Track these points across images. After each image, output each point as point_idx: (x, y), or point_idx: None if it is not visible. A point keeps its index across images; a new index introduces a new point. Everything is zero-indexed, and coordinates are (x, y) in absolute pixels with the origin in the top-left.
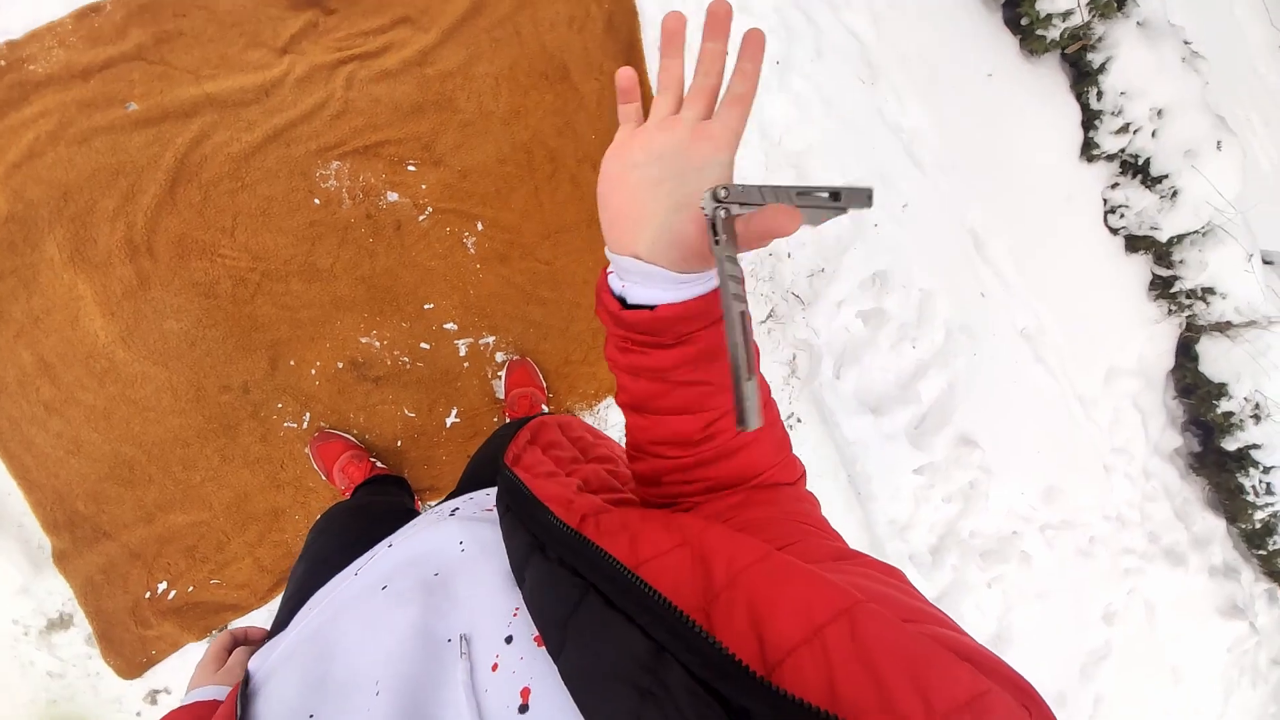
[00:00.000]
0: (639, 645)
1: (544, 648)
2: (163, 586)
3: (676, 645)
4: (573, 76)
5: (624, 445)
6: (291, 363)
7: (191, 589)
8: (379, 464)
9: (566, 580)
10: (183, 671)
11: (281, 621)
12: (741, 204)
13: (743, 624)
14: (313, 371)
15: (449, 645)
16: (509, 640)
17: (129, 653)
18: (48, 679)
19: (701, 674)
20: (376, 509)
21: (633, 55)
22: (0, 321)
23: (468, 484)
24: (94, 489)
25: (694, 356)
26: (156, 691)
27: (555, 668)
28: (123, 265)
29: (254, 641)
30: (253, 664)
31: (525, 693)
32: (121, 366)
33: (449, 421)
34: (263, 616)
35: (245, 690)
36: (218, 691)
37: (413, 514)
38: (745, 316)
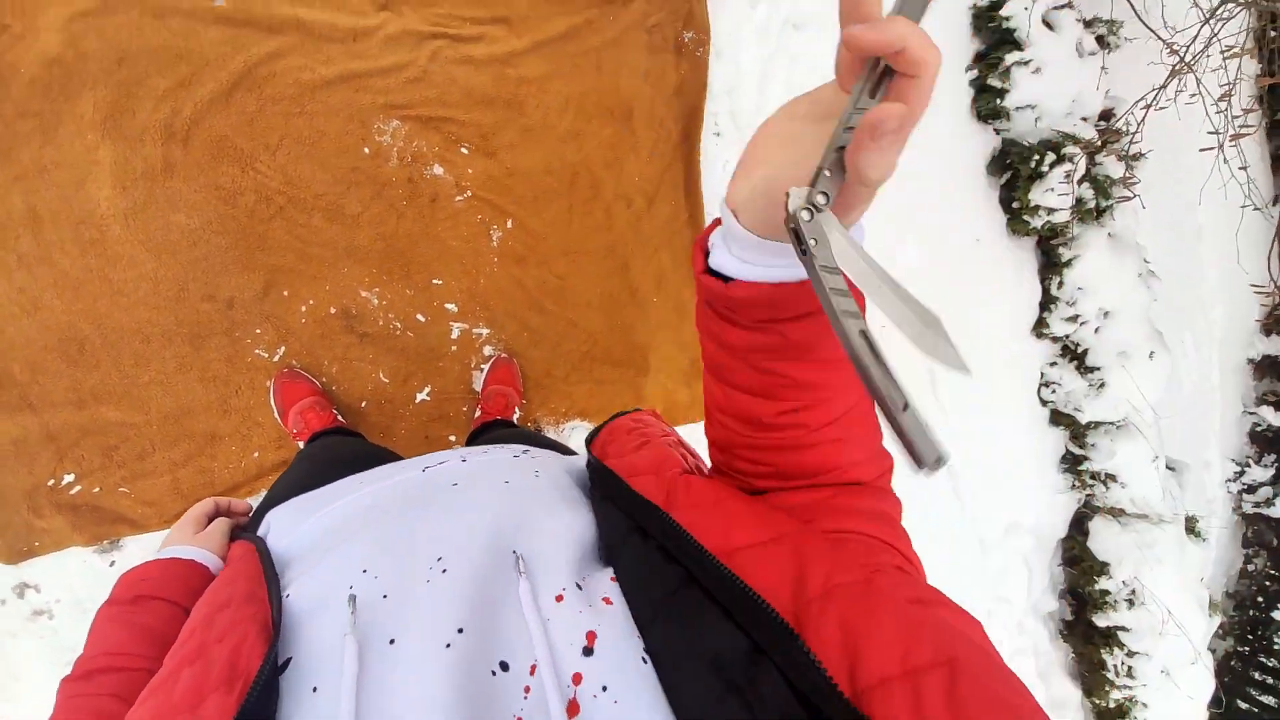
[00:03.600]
0: (735, 641)
1: (612, 606)
2: (68, 479)
3: (774, 649)
4: (635, 121)
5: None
6: (285, 293)
7: (97, 490)
8: (339, 418)
9: (664, 565)
10: (58, 574)
11: (279, 496)
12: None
13: (833, 640)
14: (303, 309)
15: (512, 557)
16: (580, 586)
17: (12, 537)
18: None
19: (797, 683)
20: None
21: (693, 121)
22: (4, 161)
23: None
24: (36, 357)
25: (771, 346)
26: (26, 586)
27: (624, 626)
28: (153, 146)
29: (237, 514)
30: (276, 518)
31: (590, 636)
32: (112, 242)
33: (419, 397)
34: (158, 541)
35: (265, 548)
36: (197, 553)
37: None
38: (867, 336)
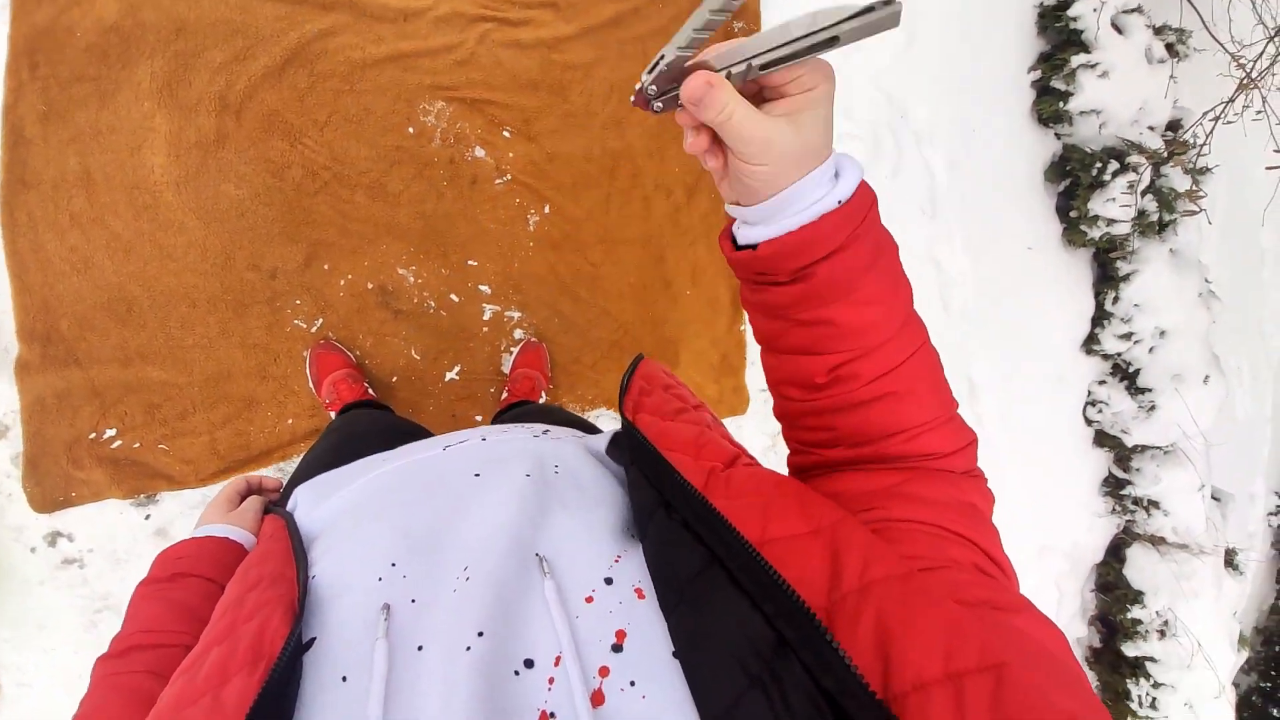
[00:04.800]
0: (760, 632)
1: (644, 600)
2: (110, 433)
3: (801, 644)
4: None
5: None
6: (326, 267)
7: (137, 445)
8: (370, 391)
9: (689, 545)
10: (93, 525)
11: (306, 472)
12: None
13: (867, 638)
14: (342, 282)
15: (535, 559)
16: (609, 582)
17: (50, 486)
18: None
19: (824, 682)
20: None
21: None
22: (60, 122)
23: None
24: (85, 314)
25: (810, 293)
26: (59, 535)
27: (655, 621)
28: (207, 117)
29: (268, 491)
30: (303, 494)
31: (620, 634)
32: (163, 208)
33: (448, 376)
34: (195, 499)
35: (294, 525)
36: (231, 530)
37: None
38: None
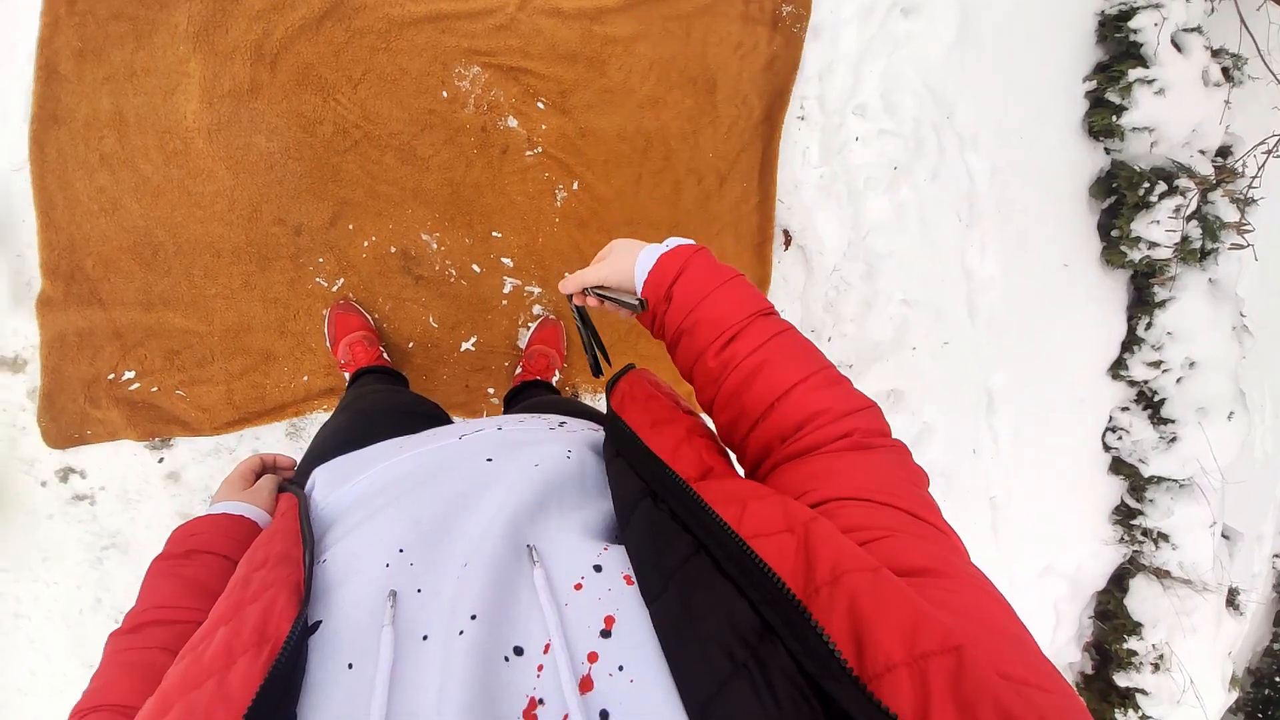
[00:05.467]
0: (745, 618)
1: (633, 585)
2: (129, 375)
3: (785, 630)
4: (717, 94)
5: None
6: (350, 227)
7: (155, 389)
8: (385, 355)
9: (675, 532)
10: (106, 463)
11: (322, 451)
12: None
13: (842, 625)
14: (365, 244)
15: (526, 549)
16: (598, 569)
17: (65, 423)
18: None
19: (807, 665)
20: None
21: (779, 101)
22: (96, 60)
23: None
24: (110, 255)
25: (668, 324)
26: (71, 471)
27: (644, 607)
28: (242, 65)
29: (283, 469)
30: (321, 476)
31: (609, 620)
32: (194, 155)
33: (464, 346)
34: (207, 446)
35: (306, 505)
36: (245, 508)
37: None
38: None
